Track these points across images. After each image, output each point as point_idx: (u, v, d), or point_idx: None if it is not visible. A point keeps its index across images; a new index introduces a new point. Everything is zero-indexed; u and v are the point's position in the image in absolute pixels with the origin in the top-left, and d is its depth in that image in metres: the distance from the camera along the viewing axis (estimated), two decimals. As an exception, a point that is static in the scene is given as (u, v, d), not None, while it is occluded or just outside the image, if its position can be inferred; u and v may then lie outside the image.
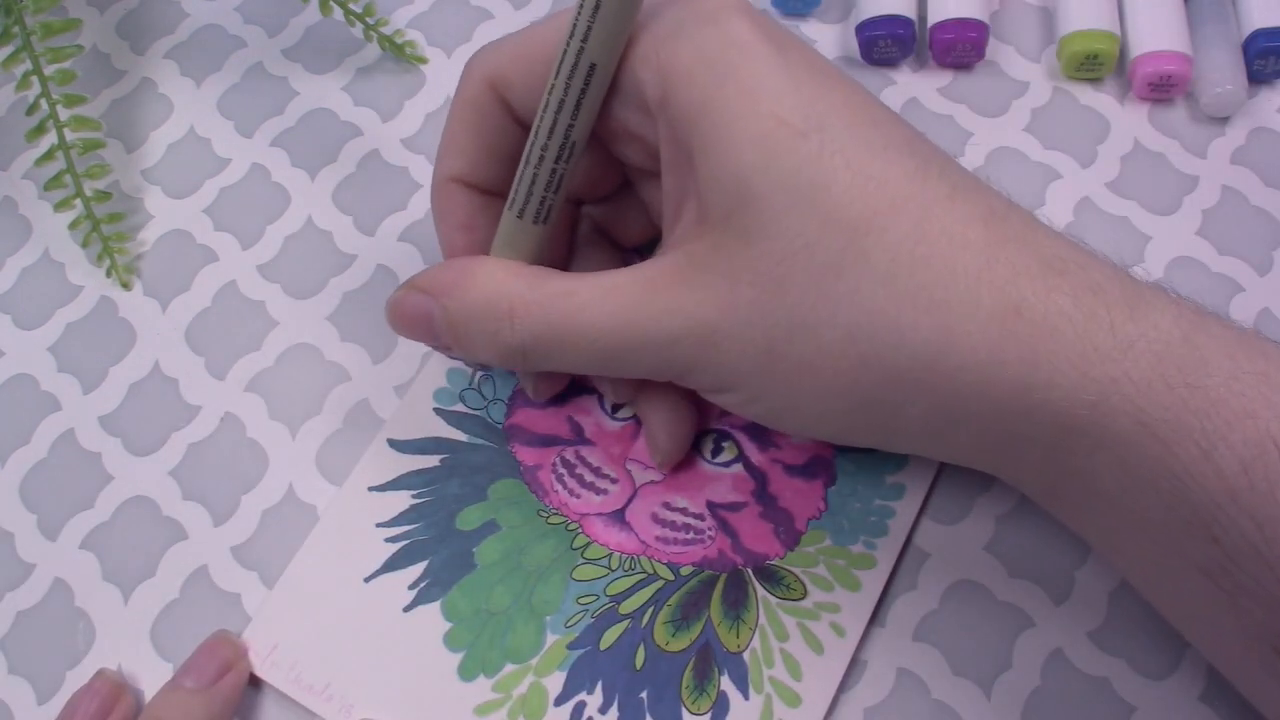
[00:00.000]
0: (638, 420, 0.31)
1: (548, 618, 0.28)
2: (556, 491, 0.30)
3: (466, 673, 0.28)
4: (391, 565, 0.29)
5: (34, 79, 0.33)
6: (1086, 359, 0.21)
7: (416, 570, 0.29)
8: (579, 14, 0.23)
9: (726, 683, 0.27)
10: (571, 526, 0.29)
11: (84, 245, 0.35)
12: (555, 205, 0.26)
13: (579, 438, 0.31)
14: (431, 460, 0.31)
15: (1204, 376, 0.21)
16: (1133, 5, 0.34)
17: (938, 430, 0.24)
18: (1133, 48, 0.34)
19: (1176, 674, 0.27)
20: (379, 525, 0.30)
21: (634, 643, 0.28)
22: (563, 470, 0.30)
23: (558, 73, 0.24)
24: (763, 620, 0.28)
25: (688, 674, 0.27)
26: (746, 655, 0.28)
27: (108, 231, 0.35)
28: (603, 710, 0.27)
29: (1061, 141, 0.34)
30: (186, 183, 0.37)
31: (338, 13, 0.36)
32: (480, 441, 0.31)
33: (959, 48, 0.35)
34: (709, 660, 0.28)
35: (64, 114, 0.34)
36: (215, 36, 0.39)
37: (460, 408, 0.31)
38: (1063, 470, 0.23)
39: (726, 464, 0.30)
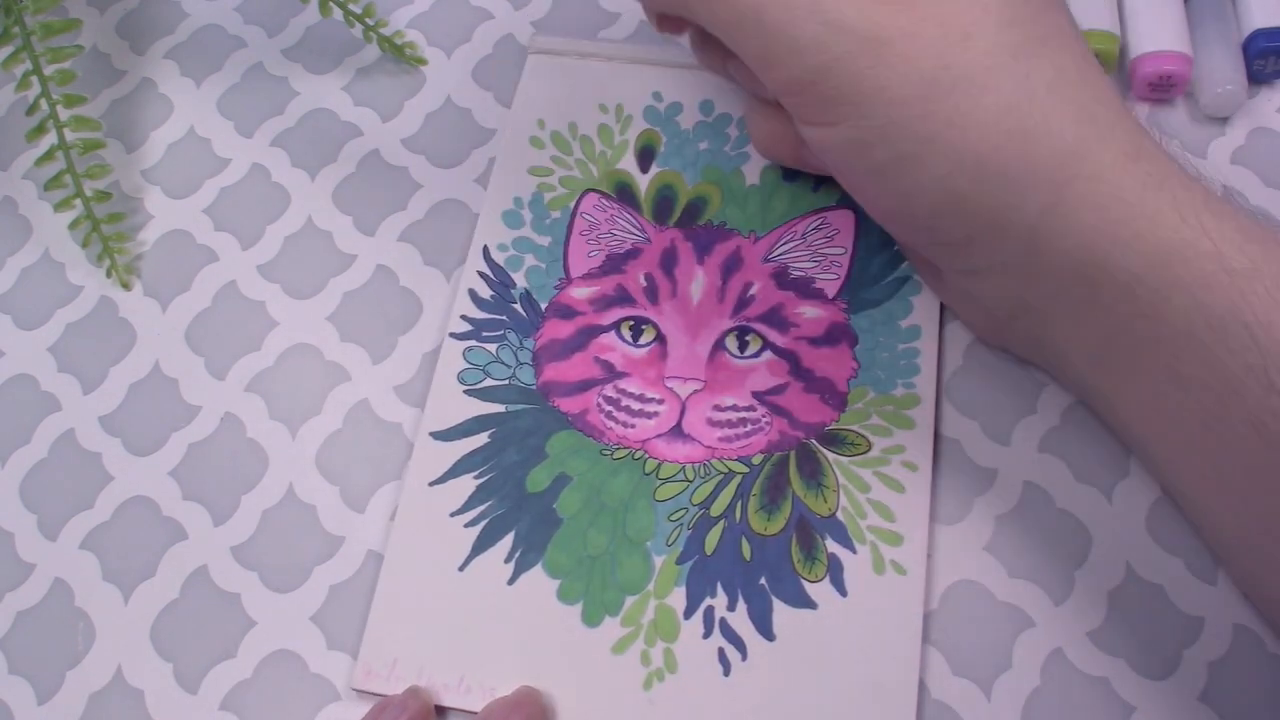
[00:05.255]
0: (661, 341, 0.31)
1: (648, 543, 0.29)
2: (611, 428, 0.31)
3: (591, 619, 0.28)
4: (480, 547, 0.29)
5: (34, 79, 0.33)
6: (1187, 205, 0.24)
7: (506, 544, 0.29)
8: None
9: (832, 545, 0.28)
10: (638, 455, 0.30)
11: (84, 245, 0.35)
12: None
13: (612, 373, 0.31)
14: (480, 439, 0.31)
15: (1277, 244, 0.23)
16: (1133, 5, 0.34)
17: (1035, 244, 0.25)
18: (1133, 48, 0.34)
19: (1176, 674, 0.27)
20: (453, 515, 0.30)
21: (735, 538, 0.29)
22: (609, 407, 0.31)
23: None
24: (841, 480, 0.29)
25: (794, 549, 0.28)
26: (840, 515, 0.29)
27: (108, 231, 0.35)
28: (730, 607, 0.28)
29: (1061, 141, 0.34)
30: (186, 183, 0.37)
31: (338, 13, 0.36)
32: (521, 406, 0.31)
33: (959, 48, 0.35)
34: (808, 531, 0.29)
35: (64, 114, 0.34)
36: (215, 36, 0.39)
37: (489, 382, 0.32)
38: (1133, 311, 0.24)
39: (756, 354, 0.31)
